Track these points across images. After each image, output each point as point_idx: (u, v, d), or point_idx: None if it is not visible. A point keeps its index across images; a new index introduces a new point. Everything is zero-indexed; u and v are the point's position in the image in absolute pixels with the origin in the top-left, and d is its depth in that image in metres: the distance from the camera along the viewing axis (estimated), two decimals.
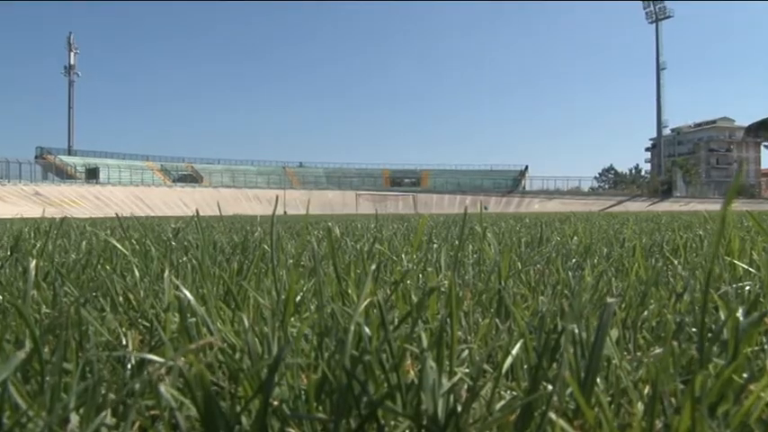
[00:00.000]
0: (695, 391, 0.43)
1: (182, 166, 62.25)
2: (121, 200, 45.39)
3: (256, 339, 0.58)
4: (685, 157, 75.85)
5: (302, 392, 0.53)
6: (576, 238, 2.14)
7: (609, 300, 0.48)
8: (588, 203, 52.94)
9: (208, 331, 0.62)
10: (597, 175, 76.68)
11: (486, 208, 46.80)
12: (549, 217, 8.27)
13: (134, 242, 1.49)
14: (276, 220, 1.02)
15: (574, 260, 1.50)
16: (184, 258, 1.56)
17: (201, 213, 1.37)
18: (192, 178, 59.67)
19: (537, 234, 2.14)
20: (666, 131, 73.48)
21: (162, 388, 0.43)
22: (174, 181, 57.78)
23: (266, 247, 1.22)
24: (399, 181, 68.48)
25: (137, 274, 1.15)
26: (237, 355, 0.58)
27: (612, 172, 78.18)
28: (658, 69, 66.14)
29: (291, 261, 1.25)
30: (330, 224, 1.15)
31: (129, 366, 0.64)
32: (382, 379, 0.53)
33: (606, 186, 74.03)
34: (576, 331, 0.55)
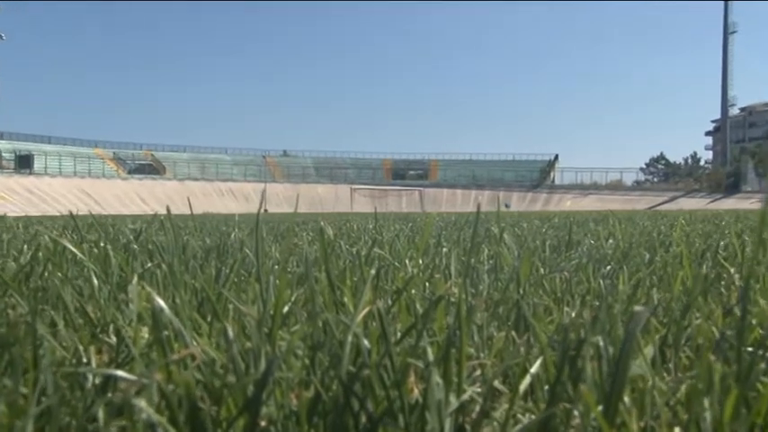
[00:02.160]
0: (726, 414, 0.47)
1: (139, 155, 62.16)
2: (62, 194, 44.86)
3: (240, 354, 0.63)
4: (758, 142, 71.33)
5: (293, 412, 0.57)
6: (611, 240, 2.19)
7: (637, 308, 0.52)
8: (632, 200, 52.88)
9: (184, 345, 0.66)
10: (644, 166, 76.26)
11: (507, 206, 46.87)
12: (582, 217, 8.32)
13: (91, 245, 1.54)
14: (255, 220, 1.07)
15: (608, 267, 1.55)
16: (149, 264, 1.61)
17: (163, 211, 1.41)
18: (151, 169, 59.59)
19: (565, 236, 2.19)
20: (734, 111, 71.29)
21: (141, 402, 0.47)
22: (129, 172, 57.65)
23: (247, 250, 1.27)
24: (403, 173, 68.50)
25: (95, 282, 1.19)
26: (220, 372, 0.63)
27: (663, 162, 77.41)
28: (726, 32, 62.48)
29: (277, 267, 1.30)
30: (322, 224, 1.19)
31: (92, 386, 0.68)
32: (383, 396, 0.57)
33: (655, 179, 73.62)
34: (602, 344, 0.59)
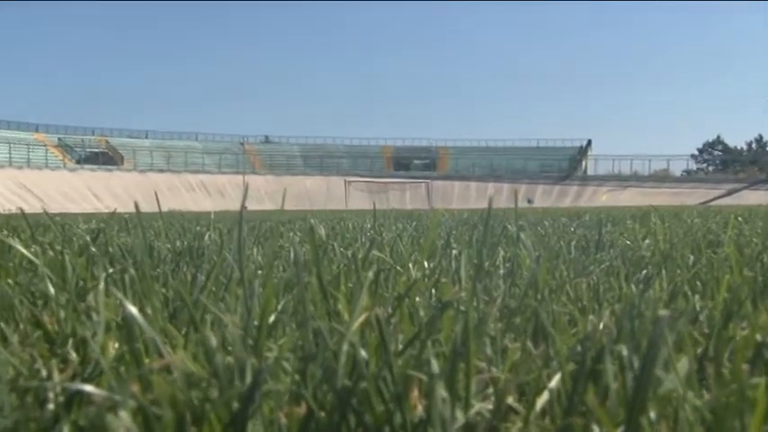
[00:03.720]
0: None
1: (91, 141, 61.90)
2: None
3: (223, 367, 0.67)
4: None
5: (283, 430, 0.62)
6: (647, 241, 2.24)
7: (662, 312, 0.56)
8: (682, 194, 52.67)
9: (159, 357, 0.70)
10: (696, 153, 75.22)
11: (530, 201, 46.89)
12: (619, 213, 8.37)
13: (45, 247, 1.58)
14: (233, 219, 1.11)
15: (645, 271, 1.59)
16: (111, 270, 1.65)
17: (121, 209, 1.45)
18: (106, 158, 59.40)
19: (596, 236, 2.23)
20: None
21: (122, 417, 0.51)
22: (78, 162, 57.31)
23: (226, 253, 1.31)
24: (407, 163, 68.54)
25: (51, 289, 1.23)
26: (201, 386, 0.67)
27: (720, 147, 76.05)
28: None
29: (261, 272, 1.34)
30: (313, 221, 1.22)
31: (53, 404, 0.73)
32: (382, 412, 0.62)
33: (710, 168, 72.92)
34: (626, 353, 0.63)
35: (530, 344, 0.83)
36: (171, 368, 0.64)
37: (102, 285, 0.82)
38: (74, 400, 0.73)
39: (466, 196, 57.15)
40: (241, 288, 1.11)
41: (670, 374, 0.74)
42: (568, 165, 65.54)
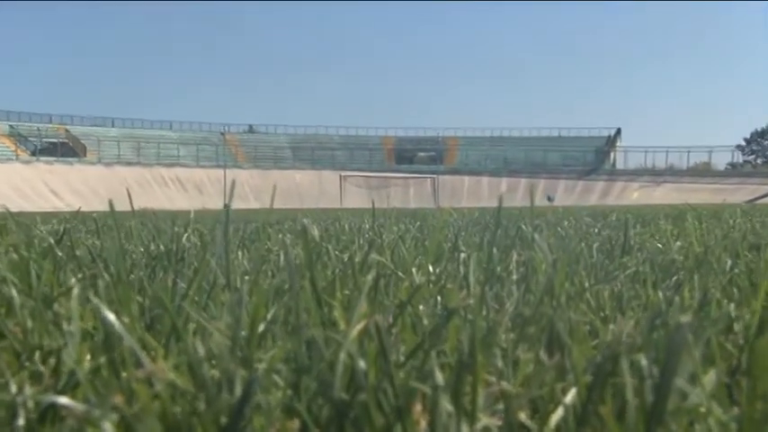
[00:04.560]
0: None
1: (48, 130, 61.55)
2: None
3: (210, 379, 0.70)
4: None
5: None
6: (678, 243, 2.27)
7: (683, 319, 0.60)
8: (725, 190, 52.45)
9: (138, 367, 0.74)
10: (743, 144, 74.98)
11: (550, 199, 46.84)
12: (652, 212, 8.40)
13: (8, 249, 1.62)
14: (214, 219, 1.15)
15: (675, 277, 1.63)
16: (80, 275, 1.68)
17: (86, 207, 1.48)
18: (66, 149, 59.18)
19: (621, 238, 2.27)
20: None
21: (105, 425, 0.55)
22: (33, 153, 57.08)
23: (209, 257, 1.35)
24: (410, 155, 68.49)
25: (14, 295, 1.27)
26: (183, 402, 0.71)
27: None
28: None
29: (248, 278, 1.37)
30: (306, 221, 1.24)
31: (23, 419, 0.76)
32: (382, 425, 0.65)
33: (758, 161, 72.64)
34: (645, 363, 0.67)
35: (544, 355, 0.87)
36: (153, 380, 0.68)
37: (76, 290, 0.86)
38: (47, 414, 0.76)
39: (477, 193, 57.16)
40: (226, 295, 1.15)
41: (696, 388, 0.77)
42: (594, 157, 65.47)
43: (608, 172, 63.19)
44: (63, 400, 0.69)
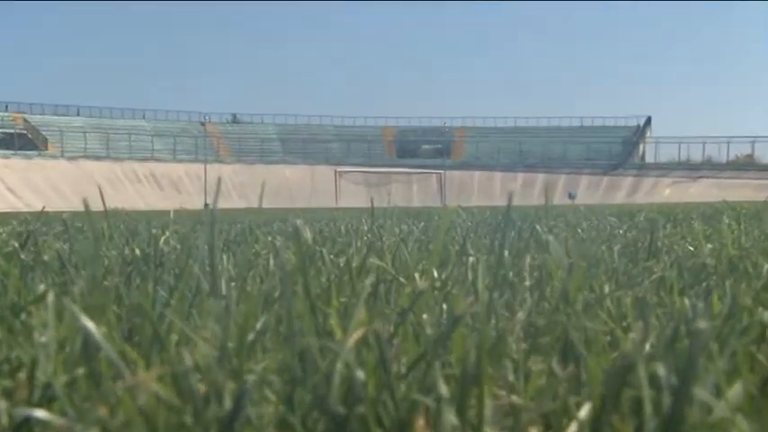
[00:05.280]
0: None
1: (4, 119, 61.22)
2: None
3: (198, 392, 0.74)
4: None
5: None
6: (710, 245, 2.31)
7: (700, 324, 0.63)
8: None
9: (119, 379, 0.77)
10: None
11: (571, 196, 46.76)
12: (686, 211, 8.43)
13: None
14: (194, 220, 1.18)
15: (705, 283, 1.66)
16: (50, 281, 1.72)
17: (48, 207, 1.51)
18: (25, 142, 58.95)
19: (647, 241, 2.30)
20: None
21: None
22: None
23: (192, 262, 1.38)
24: (413, 148, 68.42)
25: None
26: (169, 415, 0.74)
27: None
28: None
29: (234, 284, 1.41)
30: (299, 222, 1.26)
31: None
32: None
33: None
34: (663, 373, 0.70)
35: (557, 366, 0.90)
36: (137, 392, 0.71)
37: (51, 297, 0.89)
38: (21, 429, 0.79)
39: (489, 190, 57.08)
40: (212, 303, 1.18)
41: (720, 401, 0.80)
42: (621, 150, 65.39)
43: (637, 166, 63.12)
44: (41, 413, 0.72)
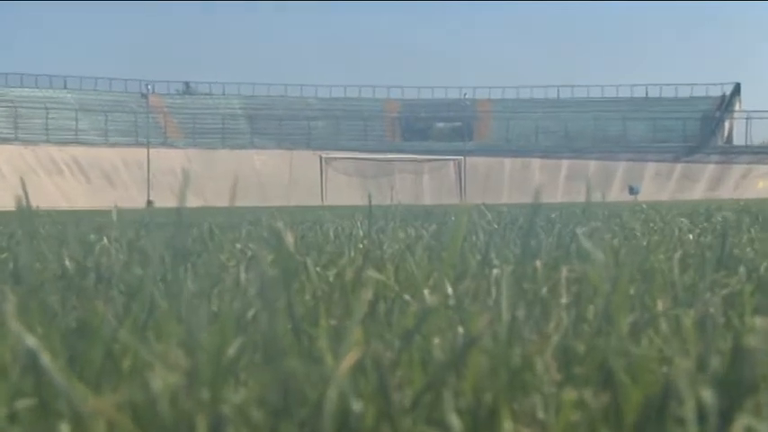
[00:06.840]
0: None
1: None
2: None
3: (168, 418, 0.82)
4: None
5: None
6: None
7: (750, 341, 0.72)
8: None
9: (69, 407, 0.86)
10: None
11: (633, 190, 46.14)
12: None
13: None
14: (138, 222, 1.27)
15: None
16: None
17: None
18: None
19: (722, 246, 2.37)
20: None
21: None
22: None
23: (139, 271, 1.46)
24: (423, 127, 67.56)
25: None
26: None
27: None
28: None
29: (198, 302, 1.49)
30: (280, 225, 1.31)
31: None
32: None
33: None
34: (711, 402, 0.79)
35: (592, 397, 0.98)
36: (92, 422, 0.80)
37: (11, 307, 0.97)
38: None
39: (521, 182, 56.40)
40: (172, 323, 1.27)
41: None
42: (700, 128, 64.60)
43: (720, 150, 62.32)
44: None
